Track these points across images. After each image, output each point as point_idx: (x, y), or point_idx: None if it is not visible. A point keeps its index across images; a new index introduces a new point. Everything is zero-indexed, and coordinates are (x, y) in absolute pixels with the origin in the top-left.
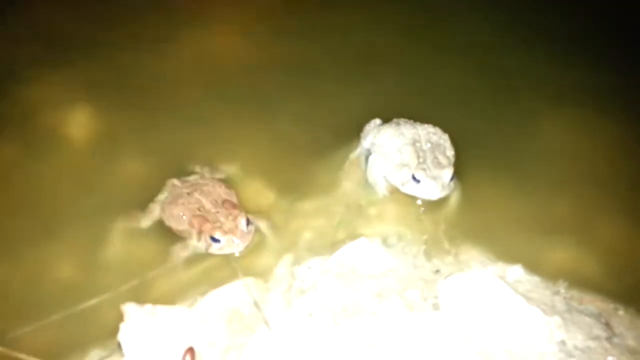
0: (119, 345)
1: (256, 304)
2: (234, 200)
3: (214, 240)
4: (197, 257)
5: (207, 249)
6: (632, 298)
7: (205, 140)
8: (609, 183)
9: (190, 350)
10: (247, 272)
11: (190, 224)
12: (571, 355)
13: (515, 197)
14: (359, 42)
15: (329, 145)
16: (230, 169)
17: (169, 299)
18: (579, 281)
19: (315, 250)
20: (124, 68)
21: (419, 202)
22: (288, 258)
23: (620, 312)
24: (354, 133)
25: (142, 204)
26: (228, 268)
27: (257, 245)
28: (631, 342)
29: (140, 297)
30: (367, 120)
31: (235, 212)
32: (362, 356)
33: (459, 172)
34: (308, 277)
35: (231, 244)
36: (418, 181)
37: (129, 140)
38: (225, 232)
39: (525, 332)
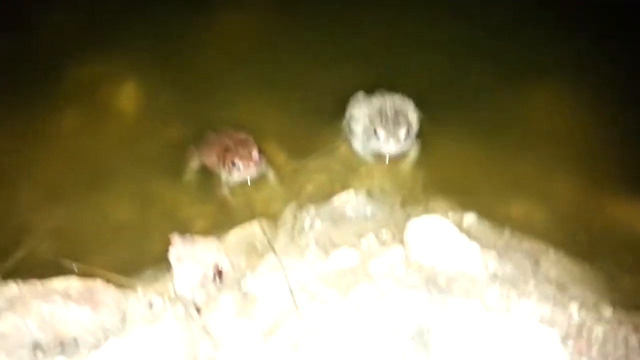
0: (168, 265)
1: (267, 238)
2: (250, 140)
3: (234, 165)
4: (225, 204)
5: (231, 176)
6: (565, 243)
7: (229, 108)
8: (568, 145)
9: (219, 270)
10: (261, 215)
11: (217, 156)
12: (496, 279)
13: (482, 155)
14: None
15: (332, 112)
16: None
17: (203, 233)
18: (524, 228)
19: (315, 199)
20: (164, 47)
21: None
22: (293, 204)
23: (551, 252)
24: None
25: (177, 157)
26: (247, 211)
27: (269, 194)
28: (552, 274)
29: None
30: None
31: (249, 144)
32: (346, 275)
33: (432, 133)
34: (307, 219)
35: (248, 168)
36: (378, 137)
37: (168, 110)
38: (241, 157)
39: (464, 262)
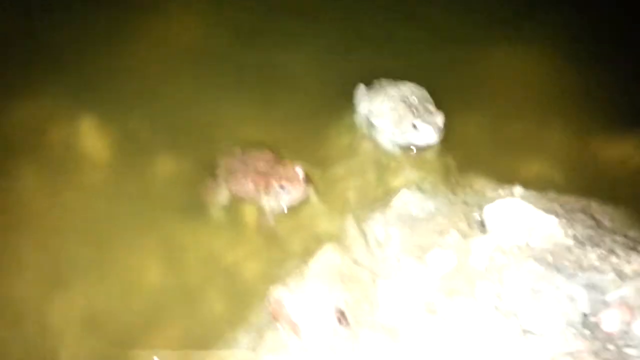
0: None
1: (356, 261)
2: (281, 159)
3: (282, 188)
4: (272, 235)
5: (277, 201)
6: (593, 191)
7: (218, 126)
8: (552, 106)
9: (341, 311)
10: (324, 239)
11: (256, 184)
12: (582, 243)
13: (483, 127)
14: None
15: (334, 109)
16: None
17: (258, 276)
18: (556, 186)
19: (367, 206)
20: (114, 70)
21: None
22: (350, 218)
23: (593, 204)
24: (345, 90)
25: (188, 194)
26: (302, 237)
27: (313, 212)
28: (608, 224)
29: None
30: (351, 80)
31: (289, 164)
32: (455, 276)
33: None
34: (378, 230)
35: (298, 189)
36: (417, 129)
37: (144, 143)
38: (290, 180)
39: (550, 234)
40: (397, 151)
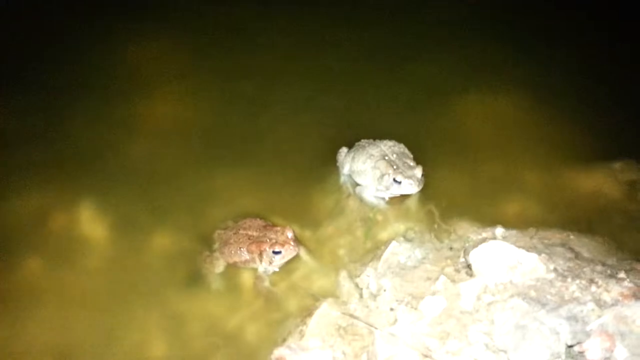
0: None
1: (352, 315)
2: (270, 224)
3: (276, 253)
4: (270, 297)
5: (271, 264)
6: (570, 224)
7: (211, 199)
8: (526, 145)
9: None
10: (319, 296)
11: (250, 251)
12: (563, 276)
13: (463, 172)
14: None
15: (316, 171)
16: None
17: (261, 337)
18: (535, 222)
19: (358, 261)
20: (107, 156)
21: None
22: (343, 274)
23: (571, 237)
24: (328, 155)
25: (185, 267)
26: (298, 296)
27: (306, 271)
28: (587, 254)
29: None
30: (331, 141)
31: (279, 228)
32: (446, 320)
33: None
34: (371, 283)
35: (290, 251)
36: (399, 183)
37: (141, 223)
38: (282, 244)
39: (532, 270)
40: (381, 205)
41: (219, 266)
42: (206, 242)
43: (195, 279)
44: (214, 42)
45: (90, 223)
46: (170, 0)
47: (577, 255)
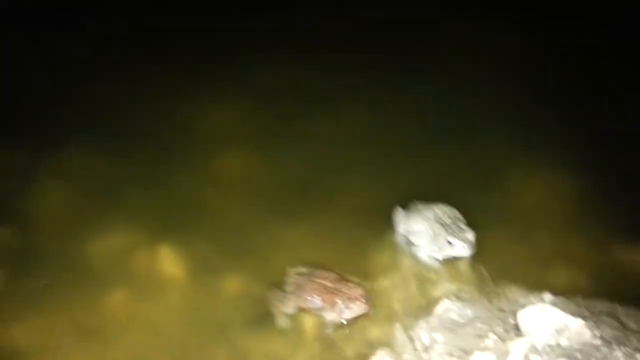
0: None
1: None
2: (344, 278)
3: (348, 307)
4: (331, 343)
5: (340, 316)
6: (618, 295)
7: (278, 245)
8: (575, 218)
9: None
10: (375, 345)
11: (324, 301)
12: (609, 342)
13: (512, 240)
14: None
15: (374, 230)
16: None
17: None
18: (582, 291)
19: (412, 315)
20: (183, 204)
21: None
22: (398, 326)
23: (619, 308)
24: (382, 213)
25: (253, 307)
26: (354, 345)
27: (364, 322)
28: (633, 325)
29: None
30: (390, 202)
31: (351, 284)
32: None
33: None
34: (423, 336)
35: (361, 309)
36: (452, 245)
37: (214, 265)
38: (353, 300)
39: (579, 334)
40: (435, 265)
41: (290, 307)
42: (273, 285)
43: (261, 319)
44: (296, 107)
45: (169, 263)
46: (252, 67)
47: (624, 325)
